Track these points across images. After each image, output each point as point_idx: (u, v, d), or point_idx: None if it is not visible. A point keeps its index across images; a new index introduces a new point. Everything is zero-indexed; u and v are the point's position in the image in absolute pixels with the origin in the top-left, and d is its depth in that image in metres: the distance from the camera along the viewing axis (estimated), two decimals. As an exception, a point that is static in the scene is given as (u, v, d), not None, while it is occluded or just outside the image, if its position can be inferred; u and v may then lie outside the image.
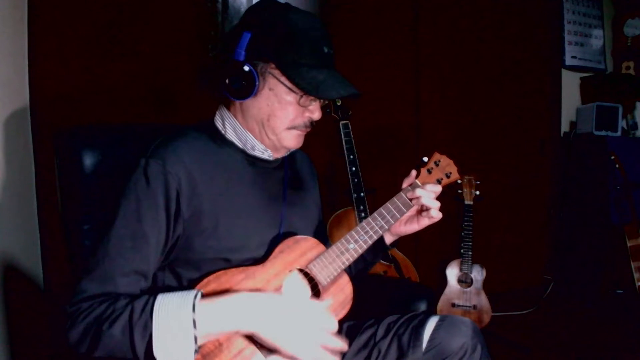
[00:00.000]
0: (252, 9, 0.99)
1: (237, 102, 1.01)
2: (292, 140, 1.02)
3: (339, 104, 2.04)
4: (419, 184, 1.12)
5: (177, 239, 0.95)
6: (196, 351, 0.84)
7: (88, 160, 1.12)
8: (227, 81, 0.95)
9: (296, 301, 0.91)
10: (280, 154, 1.08)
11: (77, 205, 1.12)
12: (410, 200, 1.10)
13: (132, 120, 2.06)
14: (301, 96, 0.97)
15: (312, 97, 0.98)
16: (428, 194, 1.09)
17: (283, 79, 0.95)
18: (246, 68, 0.94)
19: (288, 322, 0.88)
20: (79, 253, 1.10)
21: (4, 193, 1.56)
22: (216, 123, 1.05)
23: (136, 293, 0.89)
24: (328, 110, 2.04)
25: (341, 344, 0.91)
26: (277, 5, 0.97)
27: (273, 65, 0.95)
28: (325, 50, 0.96)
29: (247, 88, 0.95)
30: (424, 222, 1.13)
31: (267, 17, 0.95)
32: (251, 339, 0.92)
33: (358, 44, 2.54)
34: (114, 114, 2.03)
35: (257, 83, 0.95)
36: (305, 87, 0.93)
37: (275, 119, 0.98)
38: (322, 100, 1.02)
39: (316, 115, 1.01)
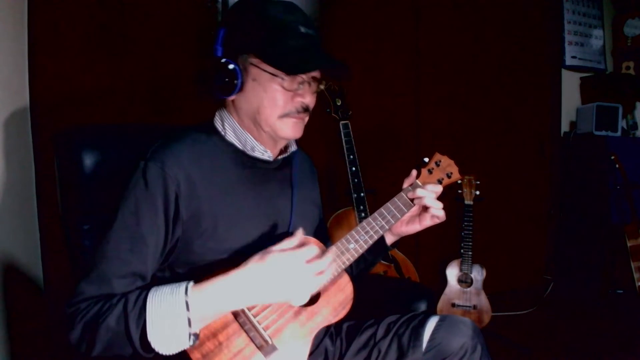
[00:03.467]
0: (230, 7, 1.00)
1: (230, 101, 1.02)
2: (288, 129, 1.00)
3: (339, 104, 2.04)
4: (420, 184, 1.11)
5: (176, 241, 0.95)
6: (194, 338, 0.85)
7: (88, 161, 1.12)
8: (211, 80, 0.96)
9: (278, 256, 0.90)
10: (279, 147, 1.07)
11: (77, 205, 1.12)
12: (411, 200, 1.10)
13: (132, 121, 2.06)
14: (283, 79, 0.96)
15: (298, 80, 0.97)
16: (429, 194, 1.09)
17: (263, 66, 0.95)
18: (227, 63, 0.94)
19: (280, 280, 0.88)
20: (78, 253, 1.11)
21: (4, 193, 1.56)
22: (216, 124, 1.05)
23: None
24: (328, 110, 2.04)
25: (328, 259, 0.92)
26: (252, 0, 0.98)
27: (252, 55, 0.95)
28: (303, 30, 0.95)
29: (231, 83, 0.95)
30: (426, 222, 1.13)
31: (240, 11, 0.97)
32: (250, 338, 0.93)
33: (358, 43, 2.54)
34: (114, 114, 2.03)
35: (239, 76, 0.95)
36: (282, 66, 0.93)
37: (265, 109, 0.98)
38: (313, 85, 1.00)
39: (307, 99, 1.00)
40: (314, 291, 0.94)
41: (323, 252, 0.94)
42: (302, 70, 0.94)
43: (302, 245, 0.92)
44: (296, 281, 0.89)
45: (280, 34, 0.93)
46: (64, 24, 1.95)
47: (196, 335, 0.86)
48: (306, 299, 0.94)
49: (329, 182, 2.43)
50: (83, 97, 1.99)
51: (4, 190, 1.56)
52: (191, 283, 0.87)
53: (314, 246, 0.93)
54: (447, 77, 2.81)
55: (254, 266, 0.89)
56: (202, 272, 0.96)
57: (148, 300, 0.84)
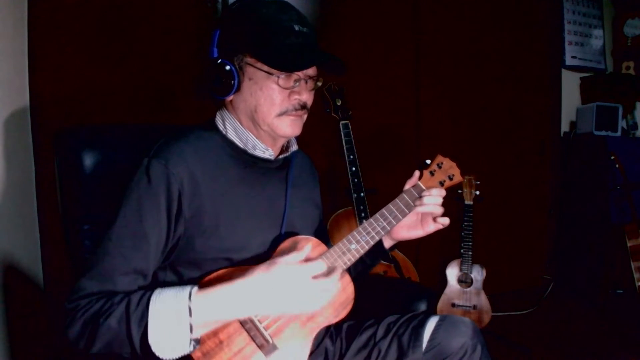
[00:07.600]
0: (225, 8, 1.01)
1: (228, 101, 1.03)
2: (286, 127, 1.00)
3: (339, 104, 2.03)
4: (423, 186, 1.11)
5: (178, 239, 0.95)
6: (195, 344, 0.85)
7: (88, 160, 1.12)
8: (209, 81, 0.97)
9: (284, 268, 0.90)
10: (279, 145, 1.07)
11: (77, 205, 1.12)
12: (415, 205, 1.09)
13: (132, 121, 2.06)
14: (279, 77, 0.96)
15: (294, 78, 0.97)
16: (436, 200, 1.09)
17: (259, 65, 0.95)
18: (223, 64, 0.95)
19: (283, 294, 0.88)
20: (79, 253, 1.11)
21: (4, 193, 1.56)
22: (217, 123, 1.05)
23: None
24: (328, 110, 2.04)
25: (333, 279, 0.93)
26: (246, 0, 0.98)
27: (248, 55, 0.96)
28: (297, 28, 0.95)
29: (228, 83, 0.96)
30: (429, 228, 1.13)
31: (235, 11, 0.98)
32: (251, 337, 0.93)
33: (358, 43, 2.54)
34: (114, 114, 2.03)
35: (235, 76, 0.96)
36: (277, 64, 0.93)
37: (261, 107, 0.98)
38: (309, 82, 1.01)
39: (304, 96, 1.00)
40: (320, 306, 0.93)
41: (330, 270, 0.94)
42: (296, 67, 0.94)
43: (308, 260, 0.93)
44: (301, 295, 0.89)
45: (274, 32, 0.94)
46: (64, 23, 1.95)
47: (197, 341, 0.86)
48: (314, 311, 0.93)
49: (329, 182, 2.43)
50: (83, 97, 1.99)
51: (4, 190, 1.56)
52: (195, 288, 0.86)
53: (322, 263, 0.93)
54: (447, 76, 2.81)
55: (260, 276, 0.89)
56: (203, 270, 0.97)
57: (151, 303, 0.83)
